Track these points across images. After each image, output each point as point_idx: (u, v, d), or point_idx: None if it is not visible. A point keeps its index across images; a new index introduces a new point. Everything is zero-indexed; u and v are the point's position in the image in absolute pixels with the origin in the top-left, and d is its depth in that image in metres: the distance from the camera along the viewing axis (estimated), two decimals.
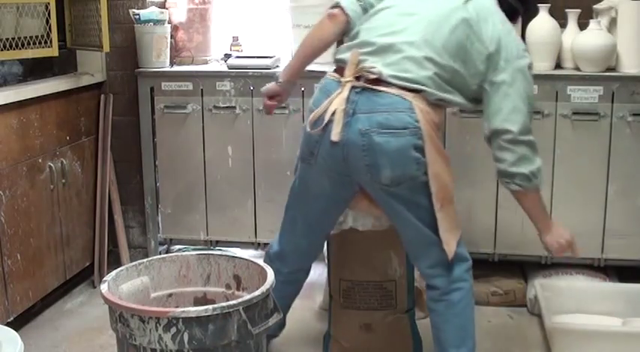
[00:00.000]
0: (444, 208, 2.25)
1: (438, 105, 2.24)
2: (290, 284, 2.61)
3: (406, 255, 2.63)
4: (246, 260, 2.27)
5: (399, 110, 2.16)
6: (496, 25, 2.25)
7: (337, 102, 2.21)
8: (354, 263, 2.65)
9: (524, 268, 3.31)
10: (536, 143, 2.25)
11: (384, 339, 2.68)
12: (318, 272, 3.46)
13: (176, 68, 3.46)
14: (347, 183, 2.32)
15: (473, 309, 2.40)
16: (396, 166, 2.18)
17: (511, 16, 2.39)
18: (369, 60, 2.22)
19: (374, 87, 2.19)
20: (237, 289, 2.27)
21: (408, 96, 2.17)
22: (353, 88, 2.21)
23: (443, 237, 2.27)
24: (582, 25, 3.11)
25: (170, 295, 2.30)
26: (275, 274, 2.18)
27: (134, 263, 2.26)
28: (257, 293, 2.01)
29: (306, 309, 3.11)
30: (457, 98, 2.26)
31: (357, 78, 2.22)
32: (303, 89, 3.18)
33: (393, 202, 2.27)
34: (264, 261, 2.44)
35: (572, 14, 3.15)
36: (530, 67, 2.29)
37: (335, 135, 2.19)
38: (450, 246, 2.29)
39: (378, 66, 2.19)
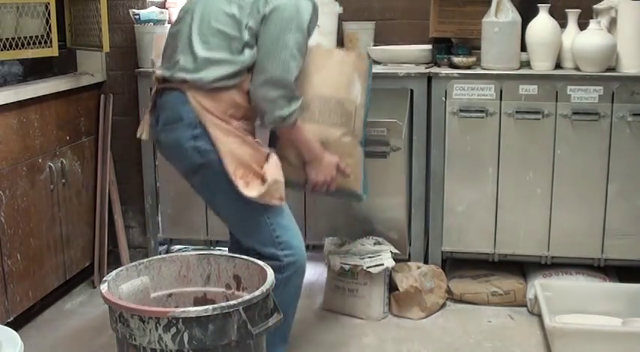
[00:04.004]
0: (250, 184, 2.32)
1: (221, 88, 2.33)
2: None
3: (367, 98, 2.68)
4: (246, 260, 2.26)
5: (177, 104, 2.34)
6: None
7: (148, 109, 2.51)
8: (318, 77, 2.58)
9: (524, 268, 3.31)
10: (292, 88, 2.34)
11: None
12: (318, 272, 3.47)
13: None
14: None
15: (288, 307, 2.41)
16: (178, 159, 2.41)
17: None
18: (162, 67, 2.45)
19: (163, 86, 2.41)
20: (237, 289, 2.27)
21: (184, 88, 2.33)
22: (157, 92, 2.44)
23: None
24: (582, 25, 3.11)
25: (170, 295, 2.30)
26: None
27: (134, 263, 2.26)
28: (257, 293, 2.01)
29: (306, 309, 3.11)
30: (239, 78, 2.34)
31: (158, 82, 2.44)
32: None
33: (201, 190, 2.47)
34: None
35: (572, 14, 3.15)
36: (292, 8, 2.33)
37: (144, 134, 2.51)
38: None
39: (162, 70, 2.42)
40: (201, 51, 2.34)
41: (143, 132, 2.53)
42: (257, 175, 2.34)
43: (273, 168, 2.36)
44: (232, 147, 2.31)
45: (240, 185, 2.30)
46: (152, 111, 2.48)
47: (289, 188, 2.49)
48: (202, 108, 2.31)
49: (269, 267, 2.17)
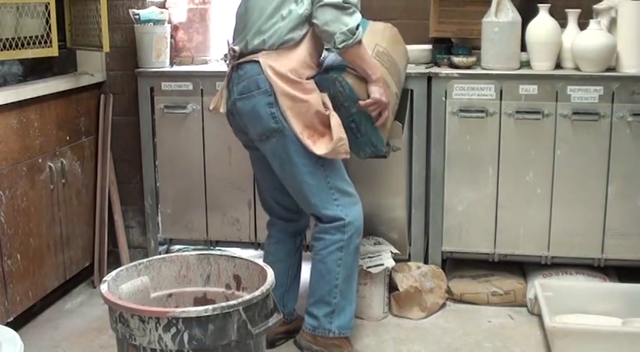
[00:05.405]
0: (317, 143, 2.54)
1: (292, 45, 2.53)
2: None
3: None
4: (246, 260, 2.27)
5: (253, 75, 2.53)
6: None
7: (223, 83, 2.69)
8: (392, 47, 2.85)
9: (524, 268, 3.31)
10: (348, 7, 2.47)
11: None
12: None
13: (176, 68, 3.46)
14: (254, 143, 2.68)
15: (353, 266, 2.65)
16: (254, 124, 2.57)
17: None
18: (236, 43, 2.63)
19: (237, 62, 2.58)
20: (237, 289, 2.27)
21: (257, 57, 2.53)
22: (232, 67, 2.62)
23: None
24: (582, 25, 3.11)
25: (170, 295, 2.30)
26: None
27: (134, 263, 2.26)
28: (257, 293, 2.01)
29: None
30: (301, 31, 2.53)
31: (234, 58, 2.62)
32: None
33: (271, 155, 2.61)
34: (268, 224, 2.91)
35: (572, 14, 3.15)
36: None
37: (222, 108, 2.68)
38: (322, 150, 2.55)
39: (237, 45, 2.61)
40: (271, 10, 2.53)
41: (220, 106, 2.68)
42: (322, 134, 2.55)
43: (337, 127, 2.53)
44: (299, 111, 2.51)
45: (309, 144, 2.52)
46: (227, 85, 2.64)
47: (347, 103, 2.65)
48: (274, 73, 2.50)
49: (269, 267, 2.18)
